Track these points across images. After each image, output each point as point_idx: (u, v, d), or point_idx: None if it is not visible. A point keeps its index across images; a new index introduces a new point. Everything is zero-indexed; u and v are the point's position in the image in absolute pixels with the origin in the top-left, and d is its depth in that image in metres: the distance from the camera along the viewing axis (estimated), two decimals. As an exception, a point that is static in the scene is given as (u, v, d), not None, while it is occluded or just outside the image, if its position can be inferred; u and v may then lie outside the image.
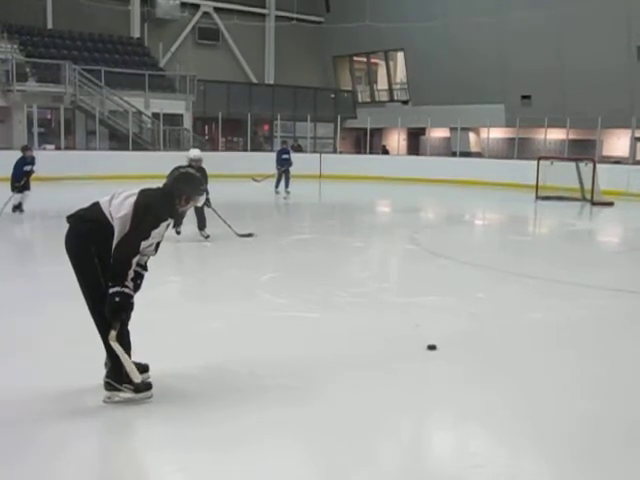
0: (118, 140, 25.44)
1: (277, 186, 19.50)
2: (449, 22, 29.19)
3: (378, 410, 4.44)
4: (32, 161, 13.54)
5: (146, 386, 4.39)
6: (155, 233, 4.28)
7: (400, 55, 34.40)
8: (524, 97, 28.07)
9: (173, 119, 26.96)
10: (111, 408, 4.29)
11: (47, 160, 13.55)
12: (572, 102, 25.07)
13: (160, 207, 4.30)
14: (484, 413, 4.45)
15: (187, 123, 27.71)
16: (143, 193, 4.34)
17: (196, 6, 33.20)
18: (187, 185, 4.46)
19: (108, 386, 4.35)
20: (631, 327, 6.75)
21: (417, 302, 7.38)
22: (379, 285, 8.38)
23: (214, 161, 21.63)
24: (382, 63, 36.17)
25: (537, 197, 19.28)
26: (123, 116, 25.30)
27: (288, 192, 19.21)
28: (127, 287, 4.20)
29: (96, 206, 4.35)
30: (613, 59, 24.65)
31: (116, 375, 4.31)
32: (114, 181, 21.18)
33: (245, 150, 28.25)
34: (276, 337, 5.94)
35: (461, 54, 29.00)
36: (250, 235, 11.24)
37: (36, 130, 23.73)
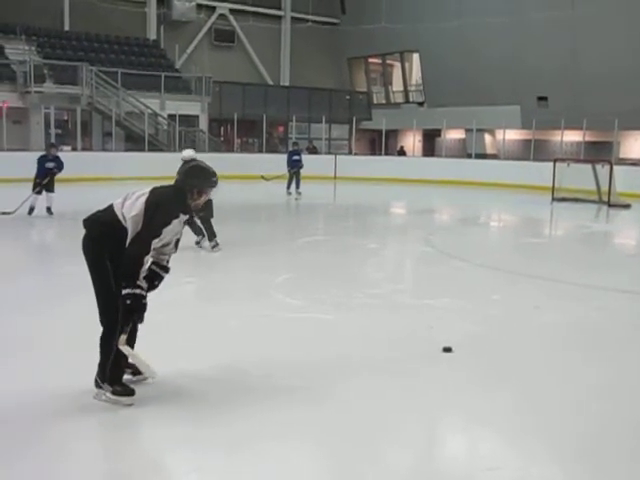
0: (134, 141, 25.56)
1: (289, 187, 19.61)
2: (464, 23, 29.10)
3: (389, 412, 4.43)
4: (55, 160, 13.39)
5: (125, 391, 4.35)
6: (167, 231, 4.27)
7: (415, 56, 34.32)
8: (540, 98, 27.93)
9: (189, 120, 27.05)
10: (117, 408, 4.30)
11: (64, 161, 13.61)
12: (588, 103, 24.90)
13: (171, 204, 4.29)
14: (495, 416, 4.43)
15: (203, 124, 27.81)
16: (154, 191, 4.35)
17: (212, 8, 33.32)
18: (196, 178, 4.42)
19: (96, 383, 4.37)
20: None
21: (431, 304, 7.36)
22: (393, 287, 8.37)
23: (229, 162, 21.79)
24: (397, 64, 36.11)
25: (553, 199, 19.16)
26: (139, 117, 25.43)
27: (299, 193, 19.30)
28: (139, 287, 4.21)
29: (110, 209, 4.36)
30: (630, 59, 24.47)
31: (102, 374, 4.33)
32: (130, 182, 21.27)
33: (260, 151, 28.31)
34: (290, 338, 5.94)
35: (476, 55, 28.90)
36: None
37: (53, 131, 23.89)
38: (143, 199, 4.27)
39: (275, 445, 3.91)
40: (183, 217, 4.38)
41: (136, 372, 4.62)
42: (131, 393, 4.35)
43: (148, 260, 4.31)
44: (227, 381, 4.81)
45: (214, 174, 4.46)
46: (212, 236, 10.07)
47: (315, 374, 5.03)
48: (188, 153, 10.20)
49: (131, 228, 4.22)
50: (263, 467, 3.68)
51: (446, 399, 4.70)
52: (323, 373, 5.06)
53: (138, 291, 4.20)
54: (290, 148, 21.40)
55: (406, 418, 4.37)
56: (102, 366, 4.34)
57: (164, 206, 4.25)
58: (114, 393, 4.32)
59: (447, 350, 5.58)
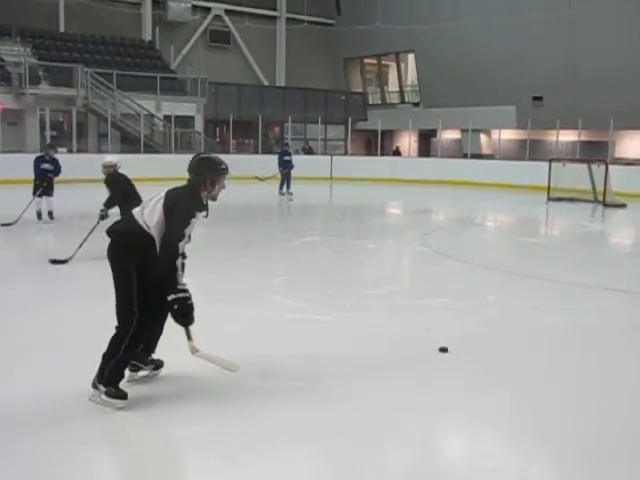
0: (130, 143, 25.53)
1: (281, 188, 19.70)
2: (460, 23, 29.12)
3: (388, 413, 4.44)
4: (51, 161, 12.88)
5: (118, 394, 4.34)
6: (188, 230, 4.33)
7: (411, 57, 34.36)
8: (536, 98, 27.98)
9: (184, 122, 27.04)
10: (111, 411, 4.30)
11: (62, 165, 13.46)
12: (584, 103, 24.96)
13: (186, 205, 4.34)
14: (493, 416, 4.44)
15: (198, 126, 27.79)
16: (168, 195, 4.42)
17: (207, 9, 33.30)
18: (205, 169, 4.45)
19: (93, 384, 4.39)
20: (644, 330, 6.73)
21: (428, 304, 7.37)
22: (390, 287, 8.37)
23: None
24: (393, 65, 36.15)
25: (549, 199, 19.22)
26: (135, 119, 25.41)
27: (290, 193, 19.38)
28: (181, 291, 4.30)
29: (131, 218, 4.43)
30: (625, 60, 24.53)
31: (100, 375, 4.36)
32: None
33: (256, 152, 28.30)
34: (288, 340, 5.95)
35: (472, 55, 28.94)
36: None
37: (48, 133, 23.82)
38: (160, 205, 4.33)
39: (274, 446, 3.91)
40: (200, 215, 4.40)
41: (158, 366, 4.80)
42: (124, 397, 4.34)
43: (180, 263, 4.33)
44: (225, 382, 4.80)
45: (221, 162, 4.51)
46: None
47: (314, 375, 5.04)
48: (108, 159, 9.86)
49: (157, 236, 4.29)
50: (263, 468, 3.68)
51: (444, 399, 4.70)
52: (322, 374, 5.06)
53: (181, 295, 4.29)
54: (280, 149, 21.53)
55: (405, 419, 4.38)
56: (102, 367, 4.37)
57: (181, 209, 4.31)
58: (107, 394, 4.33)
59: (443, 350, 5.59)
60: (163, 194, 4.41)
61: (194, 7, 32.34)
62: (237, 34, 34.04)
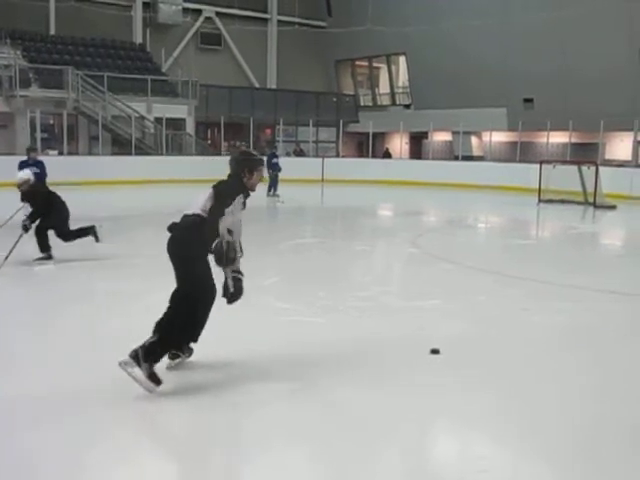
0: (121, 145, 25.50)
1: (269, 190, 19.74)
2: (451, 26, 29.21)
3: (381, 414, 4.44)
4: (36, 164, 12.51)
5: (158, 381, 4.55)
6: (231, 209, 4.62)
7: (402, 59, 34.45)
8: (526, 100, 28.10)
9: (176, 124, 27.03)
10: (102, 405, 4.29)
11: (50, 165, 13.37)
12: (574, 105, 25.06)
13: (228, 187, 4.87)
14: (486, 417, 4.45)
15: (189, 128, 27.77)
16: (215, 185, 4.94)
17: (198, 11, 33.31)
18: (243, 160, 5.02)
19: (133, 354, 4.54)
20: (633, 330, 6.75)
21: (420, 306, 7.38)
22: (382, 289, 8.37)
23: (216, 165, 21.71)
24: (384, 67, 36.22)
25: (539, 200, 19.28)
26: (126, 121, 25.36)
27: (277, 195, 19.42)
28: (235, 272, 4.85)
29: (190, 215, 4.85)
30: (615, 62, 24.67)
31: (148, 352, 4.54)
32: (117, 186, 21.26)
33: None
34: (279, 341, 5.93)
35: (463, 58, 29.03)
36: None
37: (39, 135, 23.75)
38: (209, 192, 4.86)
39: (264, 446, 3.91)
40: (241, 197, 4.76)
41: (190, 354, 5.14)
42: (159, 383, 4.55)
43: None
44: (217, 384, 4.80)
45: (255, 154, 5.18)
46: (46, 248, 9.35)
47: (305, 377, 5.03)
48: (19, 176, 9.53)
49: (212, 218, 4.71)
50: (255, 469, 3.68)
51: (436, 401, 4.70)
52: (313, 376, 5.06)
53: (236, 275, 4.83)
54: (269, 151, 21.63)
55: (396, 420, 4.37)
56: (153, 346, 4.59)
57: (223, 189, 4.84)
58: (150, 377, 4.52)
59: (435, 352, 5.59)
60: (211, 189, 4.89)
61: (185, 9, 32.34)
62: (228, 36, 34.05)
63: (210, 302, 4.92)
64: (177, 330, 4.79)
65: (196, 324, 4.94)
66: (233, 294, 4.83)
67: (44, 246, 9.32)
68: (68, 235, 9.49)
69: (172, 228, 4.93)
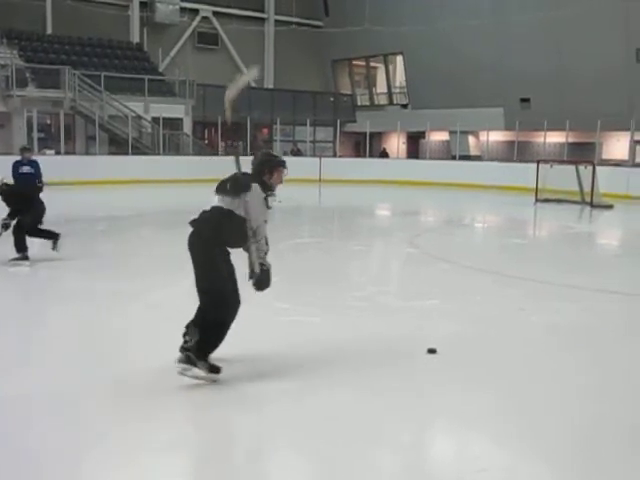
0: (118, 145, 25.47)
1: None
2: (448, 26, 29.23)
3: (379, 414, 4.44)
4: (30, 164, 11.72)
5: (217, 369, 4.79)
6: (249, 198, 4.79)
7: (399, 59, 34.45)
8: (523, 100, 28.13)
9: (173, 123, 27.00)
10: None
11: (47, 165, 13.23)
12: (571, 105, 25.10)
13: (247, 176, 4.96)
14: (484, 416, 4.45)
15: (187, 127, 27.75)
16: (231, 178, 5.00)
17: (195, 11, 33.27)
18: (264, 161, 5.14)
19: (187, 359, 4.72)
20: (632, 330, 6.76)
21: (417, 306, 7.38)
22: (379, 289, 8.38)
23: (213, 165, 21.71)
24: (381, 67, 36.22)
25: (536, 200, 19.30)
26: (123, 121, 25.33)
27: (275, 195, 19.34)
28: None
29: (211, 210, 4.89)
30: (612, 61, 24.71)
31: (198, 350, 4.72)
32: (114, 186, 21.24)
33: (245, 154, 28.24)
34: (277, 341, 5.94)
35: (460, 57, 29.05)
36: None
37: (36, 135, 23.74)
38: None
39: (263, 447, 3.92)
40: (259, 187, 4.90)
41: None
42: (219, 370, 4.79)
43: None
44: (217, 383, 4.80)
45: (277, 156, 5.32)
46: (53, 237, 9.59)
47: (303, 377, 5.04)
48: None
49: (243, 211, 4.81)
50: (257, 468, 3.68)
51: (434, 400, 4.71)
52: (311, 376, 5.07)
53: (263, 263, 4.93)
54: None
55: (394, 419, 4.38)
56: (201, 345, 4.75)
57: (242, 176, 4.93)
58: (210, 370, 4.75)
59: (432, 351, 5.60)
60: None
61: (182, 9, 32.30)
62: (225, 36, 34.03)
63: (234, 308, 4.91)
64: (213, 324, 4.86)
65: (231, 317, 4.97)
66: (261, 283, 4.97)
67: (21, 246, 9.26)
68: (34, 230, 9.44)
69: (192, 222, 4.94)
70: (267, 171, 5.06)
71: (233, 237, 4.82)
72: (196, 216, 4.90)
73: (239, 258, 4.91)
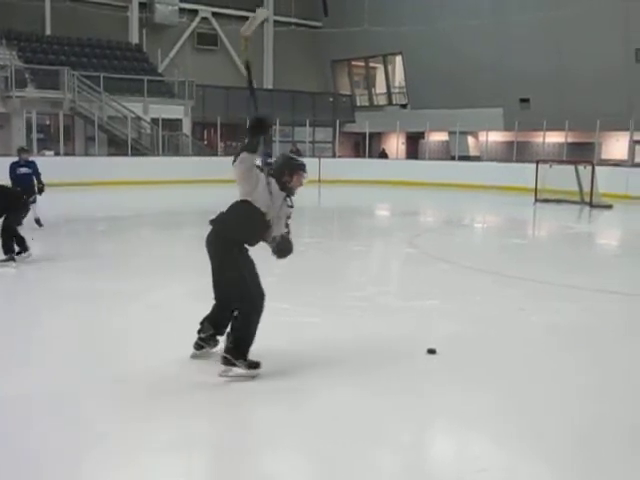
0: (117, 146, 25.46)
1: None
2: (447, 26, 29.26)
3: (379, 414, 4.44)
4: (27, 164, 12.20)
5: (256, 364, 4.90)
6: (274, 193, 5.03)
7: (398, 59, 34.45)
8: (522, 100, 28.14)
9: (172, 124, 26.99)
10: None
11: (46, 166, 13.22)
12: (570, 105, 25.12)
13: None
14: (484, 416, 4.45)
15: (186, 128, 27.75)
16: None
17: (194, 11, 33.27)
18: (283, 163, 5.26)
19: (225, 360, 4.84)
20: (631, 330, 6.76)
21: (417, 306, 7.38)
22: (379, 289, 8.38)
23: (212, 166, 21.75)
24: (380, 67, 36.23)
25: (536, 200, 19.30)
26: (122, 122, 25.33)
27: None
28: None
29: (234, 205, 5.03)
30: (611, 62, 24.72)
31: (236, 350, 4.84)
32: (113, 187, 21.24)
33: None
34: (278, 341, 5.92)
35: (459, 58, 29.07)
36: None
37: (35, 136, 23.74)
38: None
39: (262, 447, 3.91)
40: (283, 194, 5.12)
41: (216, 345, 5.28)
42: (259, 365, 4.91)
43: None
44: (215, 383, 4.80)
45: (297, 159, 5.40)
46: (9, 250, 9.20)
47: (303, 377, 5.03)
48: None
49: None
50: (257, 467, 3.68)
51: (433, 400, 4.71)
52: (311, 375, 5.06)
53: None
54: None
55: (394, 419, 4.38)
56: (236, 343, 4.86)
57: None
58: (250, 367, 4.86)
59: (432, 352, 5.60)
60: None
61: (181, 10, 32.32)
62: (224, 36, 34.00)
63: (260, 300, 5.00)
64: (246, 324, 4.94)
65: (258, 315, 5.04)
66: (282, 250, 5.17)
67: (8, 248, 9.17)
68: (9, 230, 9.20)
69: (212, 221, 5.04)
70: (287, 173, 5.16)
71: (251, 232, 4.98)
72: (214, 216, 5.04)
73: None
